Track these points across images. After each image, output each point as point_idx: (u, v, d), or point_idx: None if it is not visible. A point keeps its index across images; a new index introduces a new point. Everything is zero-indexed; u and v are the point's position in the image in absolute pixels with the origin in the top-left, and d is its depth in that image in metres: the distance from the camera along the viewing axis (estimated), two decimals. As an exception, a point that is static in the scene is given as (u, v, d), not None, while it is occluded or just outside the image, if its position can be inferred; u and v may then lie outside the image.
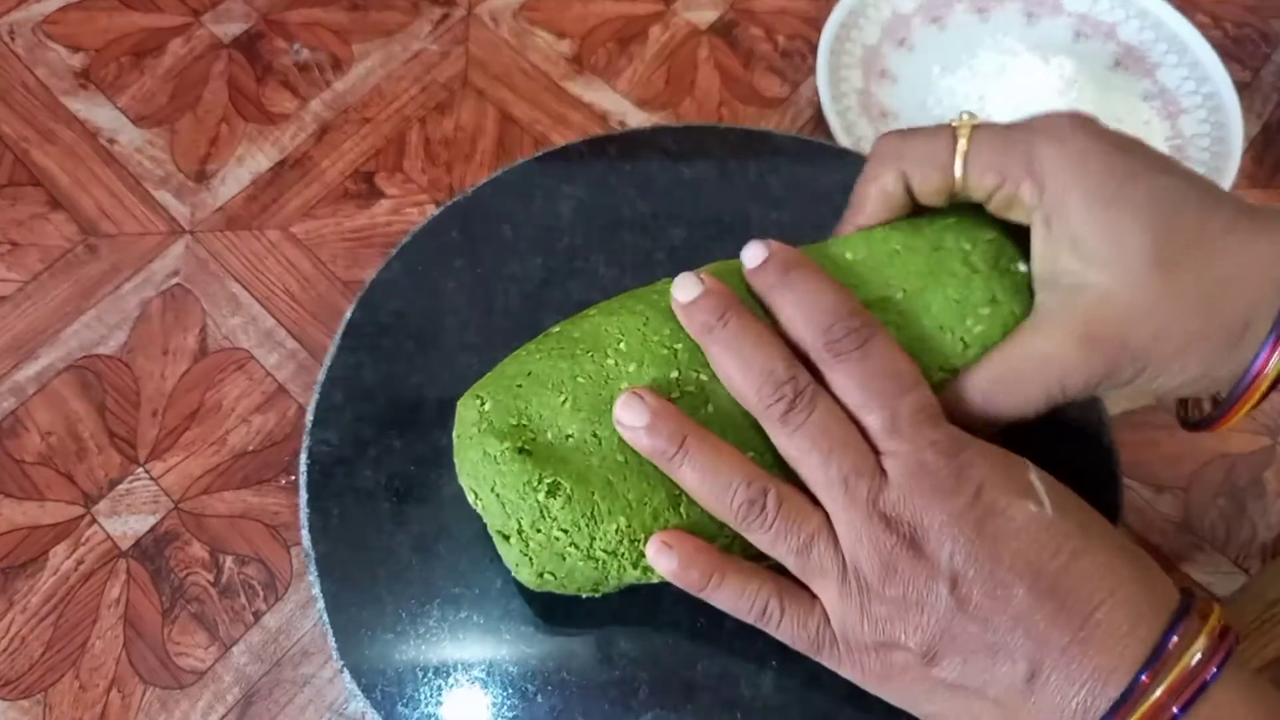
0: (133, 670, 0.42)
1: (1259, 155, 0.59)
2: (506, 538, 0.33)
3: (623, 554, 0.32)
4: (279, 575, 0.44)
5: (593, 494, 0.32)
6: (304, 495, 0.39)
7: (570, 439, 0.34)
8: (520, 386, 0.35)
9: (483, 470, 0.33)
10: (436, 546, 0.39)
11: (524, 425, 0.34)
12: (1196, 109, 0.57)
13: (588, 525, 0.32)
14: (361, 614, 0.37)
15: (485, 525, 0.39)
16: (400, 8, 0.61)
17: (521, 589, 0.38)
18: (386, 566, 0.38)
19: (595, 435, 0.34)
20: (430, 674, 0.36)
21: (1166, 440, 0.49)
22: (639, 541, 0.32)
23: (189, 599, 0.43)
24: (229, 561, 0.44)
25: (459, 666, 0.36)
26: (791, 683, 0.36)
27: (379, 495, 0.39)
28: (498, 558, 0.38)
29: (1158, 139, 0.56)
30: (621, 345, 0.35)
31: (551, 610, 0.37)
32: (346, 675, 0.36)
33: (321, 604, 0.37)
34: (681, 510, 0.33)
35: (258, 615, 0.43)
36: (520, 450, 0.33)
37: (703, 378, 0.35)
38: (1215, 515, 0.48)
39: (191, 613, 0.43)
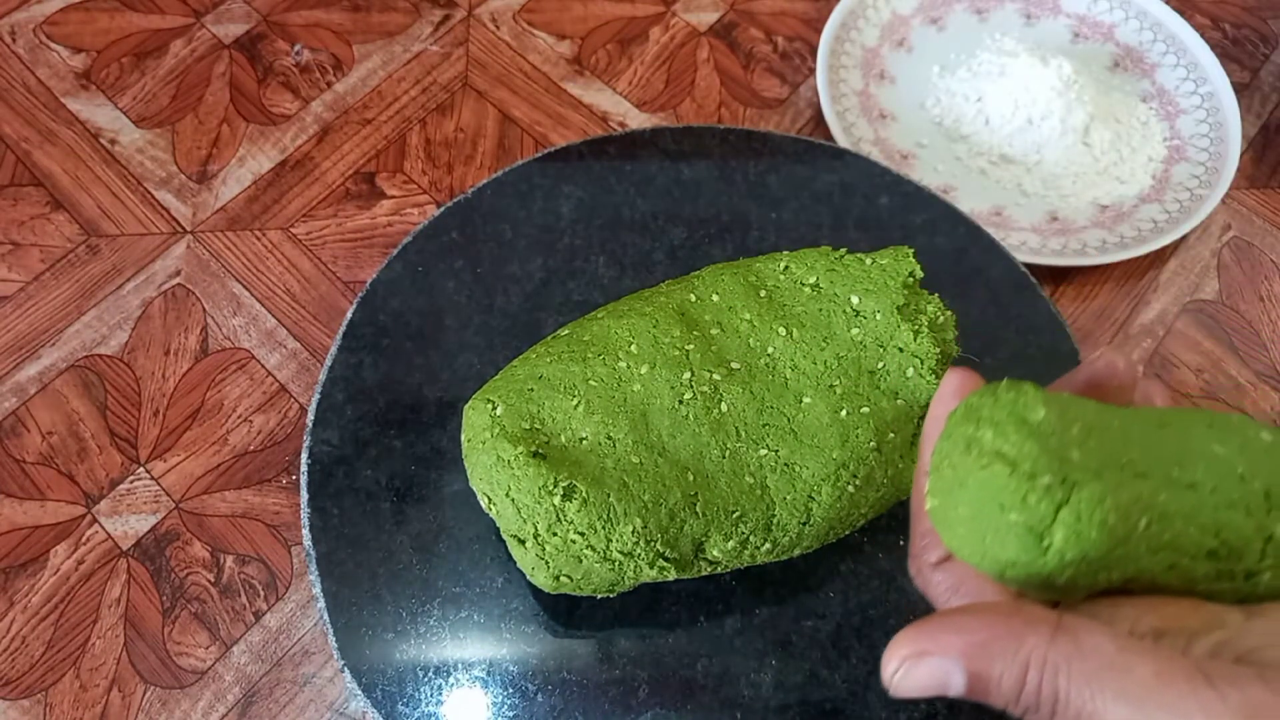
0: (133, 670, 0.42)
1: (1258, 156, 0.59)
2: (522, 542, 0.33)
3: (639, 554, 0.32)
4: (280, 575, 0.44)
5: (608, 496, 0.32)
6: (305, 495, 0.39)
7: (584, 442, 0.34)
8: (532, 390, 0.35)
9: (496, 475, 0.33)
10: (436, 546, 0.39)
11: (537, 429, 0.34)
12: (1195, 109, 0.57)
13: (604, 527, 0.32)
14: (362, 613, 0.37)
15: (486, 525, 0.39)
16: (401, 9, 0.61)
17: (523, 588, 0.38)
18: (386, 566, 0.38)
19: (609, 438, 0.34)
20: (431, 673, 0.36)
21: (1166, 440, 0.50)
22: (655, 542, 0.32)
23: (189, 598, 0.44)
24: (230, 561, 0.44)
25: (459, 666, 0.36)
26: (791, 682, 0.36)
27: (379, 495, 0.40)
28: (498, 557, 0.38)
29: (1156, 139, 0.57)
30: (633, 347, 0.35)
31: (552, 609, 0.38)
32: (347, 675, 0.36)
33: (322, 603, 0.37)
34: (699, 510, 0.33)
35: (258, 615, 0.43)
36: (534, 454, 0.33)
37: (715, 377, 0.35)
38: (1214, 515, 0.48)
39: (192, 612, 0.43)
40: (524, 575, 0.35)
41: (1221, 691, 0.18)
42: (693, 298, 0.37)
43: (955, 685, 0.19)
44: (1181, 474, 0.21)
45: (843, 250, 0.38)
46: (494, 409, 0.35)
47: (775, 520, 0.34)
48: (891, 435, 0.35)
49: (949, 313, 0.37)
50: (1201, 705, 0.18)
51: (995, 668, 0.19)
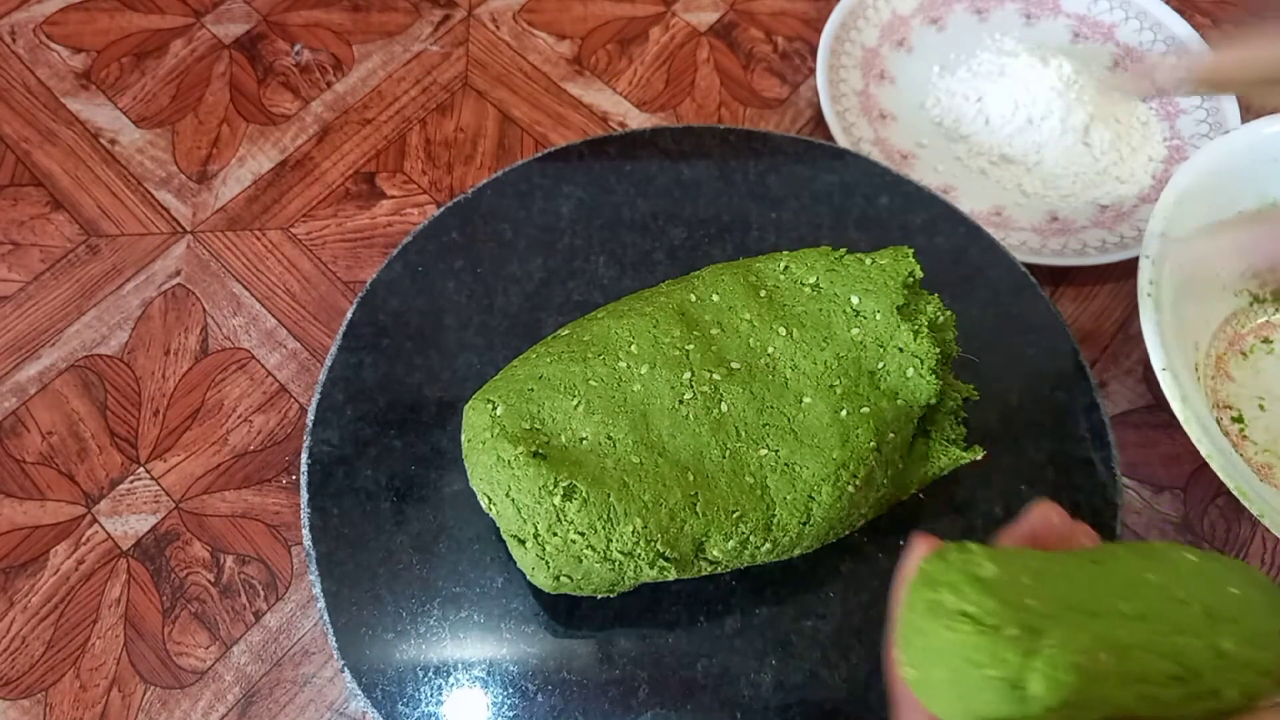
0: (133, 670, 0.42)
1: (1258, 156, 0.59)
2: (522, 542, 0.33)
3: (639, 554, 0.32)
4: (279, 575, 0.44)
5: (608, 496, 0.32)
6: (305, 495, 0.39)
7: (584, 441, 0.34)
8: (532, 390, 0.35)
9: (497, 475, 0.34)
10: (436, 546, 0.39)
11: (537, 429, 0.34)
12: (1195, 110, 0.57)
13: (604, 527, 0.32)
14: (362, 613, 0.37)
15: (486, 525, 0.39)
16: (401, 9, 0.61)
17: (523, 588, 0.38)
18: (386, 566, 0.38)
19: (609, 437, 0.34)
20: (431, 673, 0.36)
21: (1166, 440, 0.50)
22: (655, 542, 0.32)
23: (189, 599, 0.44)
24: (230, 561, 0.44)
25: (459, 666, 0.36)
26: (791, 682, 0.36)
27: (379, 495, 0.40)
28: (498, 557, 0.38)
29: (1156, 139, 0.57)
30: (633, 348, 0.35)
31: (552, 609, 0.38)
32: (347, 674, 0.36)
33: (322, 603, 0.37)
34: (699, 509, 0.33)
35: (258, 615, 0.43)
36: (535, 454, 0.33)
37: (715, 377, 0.35)
38: (1215, 515, 0.48)
39: (192, 612, 0.43)
40: (524, 575, 0.35)
41: None
42: (693, 298, 0.37)
43: None
44: (1129, 607, 0.21)
45: (843, 250, 0.38)
46: (494, 409, 0.35)
47: (775, 520, 0.34)
48: (891, 435, 0.35)
49: (949, 313, 0.37)
50: None
51: None
